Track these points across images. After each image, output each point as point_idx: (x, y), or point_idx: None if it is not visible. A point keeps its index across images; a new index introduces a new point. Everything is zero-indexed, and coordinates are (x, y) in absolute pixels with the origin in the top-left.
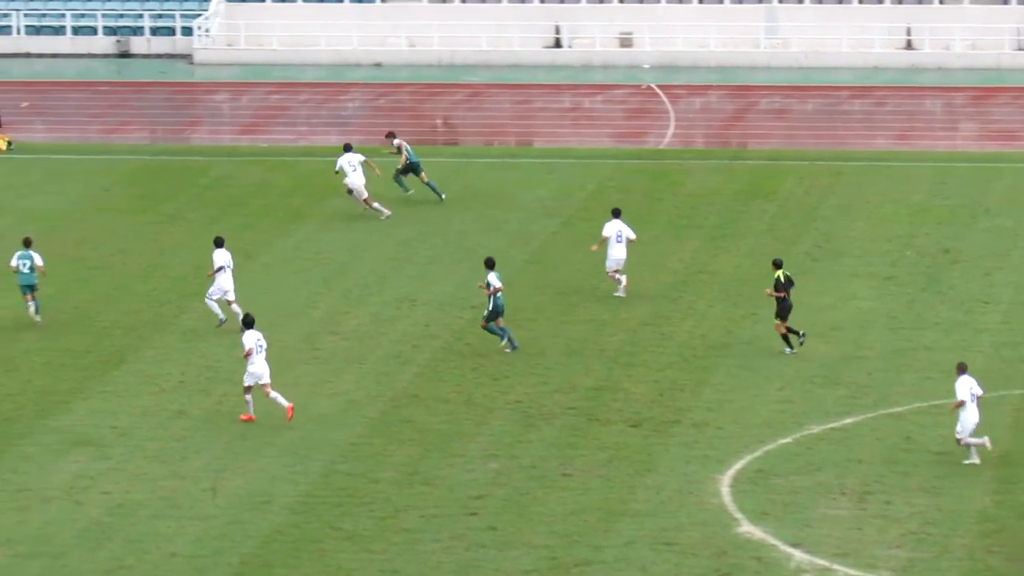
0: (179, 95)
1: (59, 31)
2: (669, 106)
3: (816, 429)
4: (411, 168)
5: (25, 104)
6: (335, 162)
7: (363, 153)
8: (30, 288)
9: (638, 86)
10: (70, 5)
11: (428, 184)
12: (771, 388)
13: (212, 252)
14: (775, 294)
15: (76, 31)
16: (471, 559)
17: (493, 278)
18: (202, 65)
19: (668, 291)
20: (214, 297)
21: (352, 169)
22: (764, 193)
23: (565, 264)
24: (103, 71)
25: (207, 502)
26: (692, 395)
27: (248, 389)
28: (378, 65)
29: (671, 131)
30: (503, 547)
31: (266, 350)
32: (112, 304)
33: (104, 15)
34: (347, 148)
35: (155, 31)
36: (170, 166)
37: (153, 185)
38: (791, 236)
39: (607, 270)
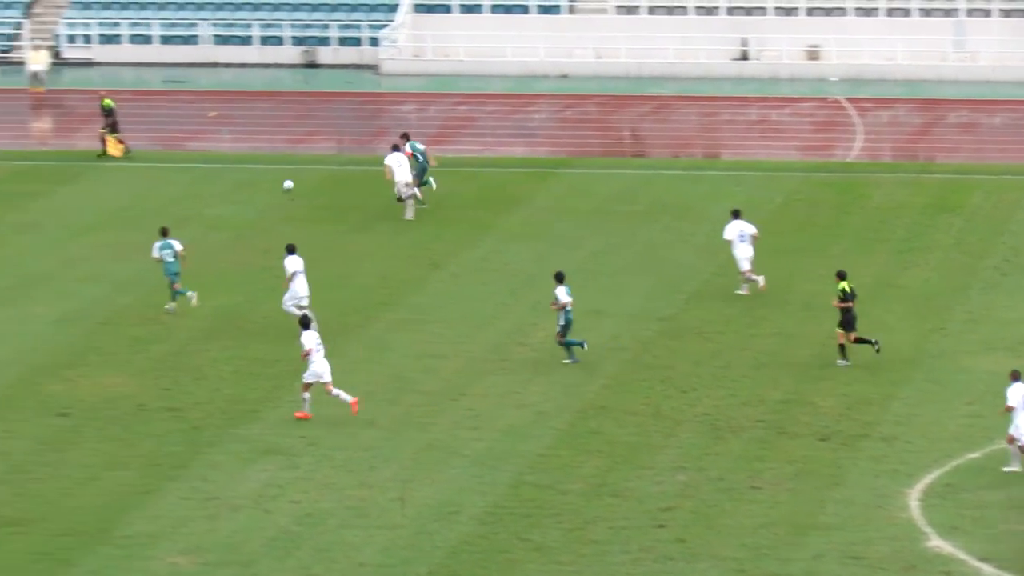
0: (366, 105)
1: (247, 41)
2: (856, 119)
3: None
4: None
5: (213, 113)
6: (384, 159)
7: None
8: (176, 275)
9: (825, 99)
10: (258, 15)
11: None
12: (960, 402)
13: (284, 258)
14: (840, 305)
15: (264, 41)
16: (659, 571)
17: (562, 293)
18: (389, 75)
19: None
20: (289, 304)
21: (398, 165)
22: (951, 207)
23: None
24: (290, 81)
25: (395, 512)
26: (880, 409)
27: (307, 387)
28: (565, 76)
29: (858, 144)
30: (691, 559)
31: (326, 349)
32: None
33: (291, 25)
34: (395, 148)
35: (342, 41)
36: (357, 176)
37: (339, 195)
38: (979, 250)
39: (740, 271)
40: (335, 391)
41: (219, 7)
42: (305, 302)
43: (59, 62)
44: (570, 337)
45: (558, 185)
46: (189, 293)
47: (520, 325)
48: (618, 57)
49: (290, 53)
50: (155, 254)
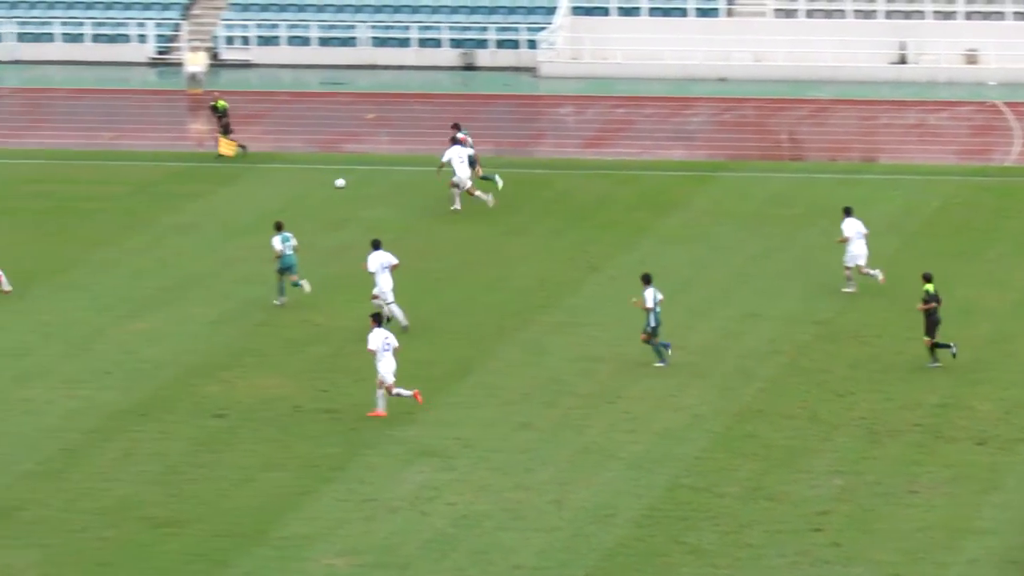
0: (523, 108)
1: (405, 43)
2: (1014, 123)
3: None
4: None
5: (371, 115)
6: (442, 155)
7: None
8: (291, 269)
9: (983, 103)
10: (416, 17)
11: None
12: None
13: (369, 254)
14: (924, 308)
15: (422, 43)
16: (815, 575)
17: (650, 295)
18: (546, 78)
19: (1014, 309)
20: (388, 300)
21: (460, 161)
22: None
23: (909, 280)
24: (448, 83)
25: (552, 514)
26: None
27: (382, 385)
28: (723, 80)
29: (1016, 148)
30: (847, 563)
31: (394, 349)
32: (457, 316)
33: (450, 27)
34: (454, 141)
35: (500, 44)
36: (514, 178)
37: (498, 197)
38: None
39: (846, 265)
40: (396, 390)
41: (378, 9)
42: (390, 297)
43: (217, 64)
44: (660, 339)
45: (716, 188)
46: (302, 281)
47: (676, 328)
48: (776, 60)
49: (448, 55)
50: (278, 247)
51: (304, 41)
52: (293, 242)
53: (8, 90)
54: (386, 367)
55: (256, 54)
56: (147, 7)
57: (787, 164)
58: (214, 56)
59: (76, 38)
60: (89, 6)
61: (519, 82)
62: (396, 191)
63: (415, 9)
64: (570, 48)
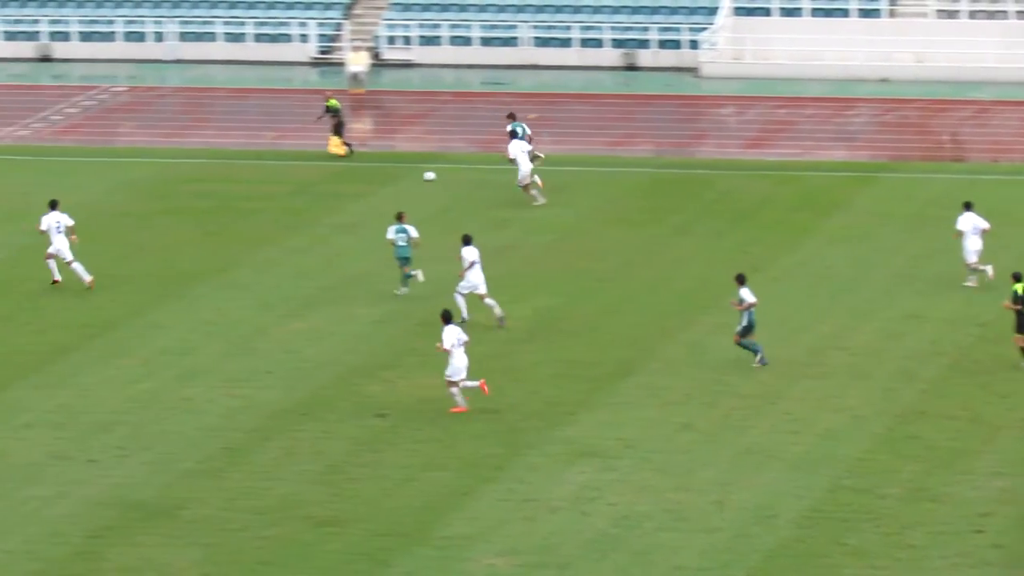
0: (685, 108)
1: (566, 43)
2: None
3: None
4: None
5: (533, 115)
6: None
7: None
8: (406, 260)
9: None
10: (578, 17)
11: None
12: None
13: (461, 248)
14: (1012, 307)
15: (584, 43)
16: None
17: (746, 293)
18: (708, 78)
19: None
20: (463, 292)
21: (522, 154)
22: None
23: None
24: (609, 83)
25: (713, 515)
26: None
27: (453, 384)
28: (884, 80)
29: None
30: (1010, 565)
31: (465, 344)
32: (618, 316)
33: (611, 28)
34: (514, 135)
35: (662, 44)
36: (676, 179)
37: (659, 198)
38: None
39: (967, 262)
40: (464, 383)
41: (539, 9)
42: (482, 289)
43: (379, 63)
44: (745, 340)
45: (878, 189)
46: (416, 272)
47: (839, 329)
48: (938, 61)
49: (610, 55)
50: (390, 236)
51: (466, 41)
52: (412, 234)
53: (170, 89)
54: (459, 362)
55: (418, 54)
56: (309, 7)
57: (949, 165)
58: (376, 56)
59: (238, 37)
60: (251, 5)
61: (680, 82)
62: (557, 191)
63: (577, 9)
64: (732, 48)
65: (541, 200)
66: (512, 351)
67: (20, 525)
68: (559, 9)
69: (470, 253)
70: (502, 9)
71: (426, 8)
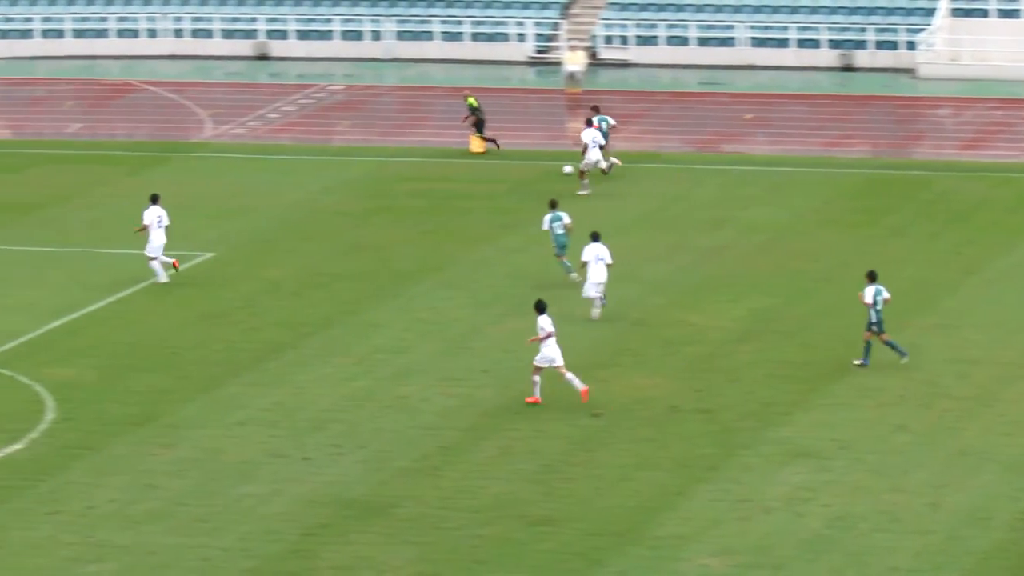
0: (901, 109)
1: (783, 43)
2: None
3: None
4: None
5: (749, 116)
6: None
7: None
8: (563, 248)
9: None
10: (795, 18)
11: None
12: None
13: (586, 245)
14: None
15: (800, 44)
16: None
17: (870, 291)
18: (925, 79)
19: None
20: (541, 365)
21: (593, 145)
22: None
23: None
24: (826, 84)
25: (928, 517)
26: None
27: (538, 371)
28: None
29: None
30: None
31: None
32: (833, 317)
33: (828, 28)
34: (588, 123)
35: (879, 45)
36: (892, 180)
37: (874, 199)
38: None
39: None
40: (568, 375)
41: (756, 9)
42: (601, 289)
43: (595, 63)
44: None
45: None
46: (569, 264)
47: None
48: None
49: (827, 56)
50: (545, 226)
51: (683, 41)
52: (566, 220)
53: (387, 88)
54: (552, 352)
55: (634, 53)
56: (526, 6)
57: None
58: (593, 55)
59: (455, 36)
60: (468, 5)
61: (898, 83)
62: (773, 192)
63: (794, 10)
64: (949, 50)
65: (585, 192)
66: (727, 351)
67: (235, 522)
68: (776, 9)
69: (593, 251)
70: (719, 9)
71: (643, 8)
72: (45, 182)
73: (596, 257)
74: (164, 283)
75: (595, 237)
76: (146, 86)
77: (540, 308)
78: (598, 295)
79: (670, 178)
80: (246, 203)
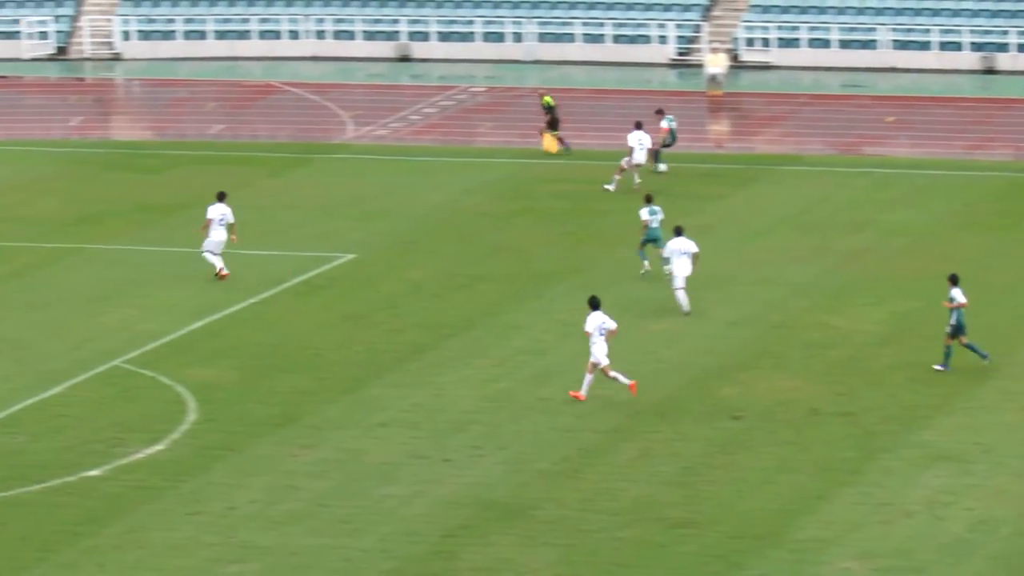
0: None
1: (925, 46)
2: None
3: None
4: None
5: (890, 119)
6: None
7: None
8: (655, 242)
9: None
10: (936, 20)
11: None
12: None
13: (670, 239)
14: None
15: (942, 47)
16: None
17: (957, 293)
18: None
19: None
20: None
21: (640, 148)
22: None
23: None
24: (968, 87)
25: None
26: None
27: (594, 368)
28: None
29: None
30: None
31: (609, 332)
32: (973, 320)
33: (971, 31)
34: (638, 126)
35: (1021, 48)
36: None
37: (1017, 202)
38: None
39: None
40: (612, 373)
41: (898, 12)
42: (684, 281)
43: (737, 65)
44: (967, 342)
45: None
46: (646, 262)
47: None
48: None
49: (968, 59)
50: (644, 217)
51: (824, 43)
52: (661, 216)
53: (528, 90)
54: (600, 351)
55: (776, 56)
56: (668, 8)
57: None
58: (734, 58)
59: (596, 39)
60: (610, 7)
61: None
62: (916, 194)
63: (936, 12)
64: None
65: (611, 188)
66: (868, 354)
67: (376, 523)
68: (918, 12)
69: (679, 244)
70: (861, 11)
71: (785, 10)
72: (187, 183)
73: (679, 251)
74: (224, 274)
75: (678, 231)
76: (288, 87)
77: (594, 305)
78: (681, 287)
79: (812, 181)
80: (387, 204)
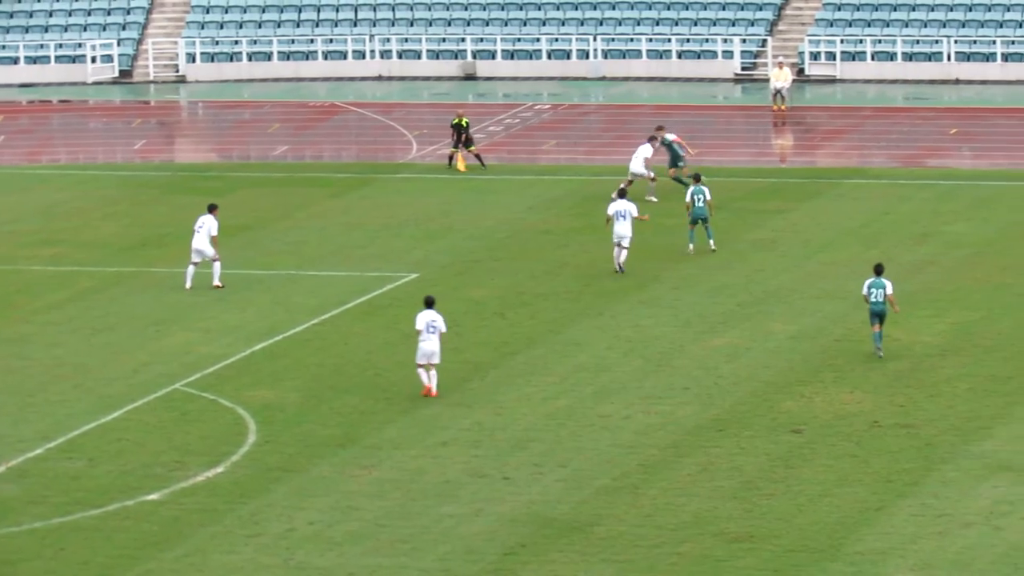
0: None
1: (989, 58)
2: None
3: None
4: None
5: (954, 131)
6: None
7: None
8: (704, 220)
9: None
10: (1001, 32)
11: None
12: None
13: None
14: None
15: (1006, 58)
16: None
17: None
18: None
19: None
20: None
21: (636, 157)
22: None
23: None
24: None
25: None
26: None
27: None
28: None
29: None
30: None
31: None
32: None
33: None
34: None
35: None
36: None
37: None
38: None
39: None
40: (419, 370)
41: (962, 24)
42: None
43: (801, 79)
44: None
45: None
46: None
47: None
48: None
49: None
50: (688, 198)
51: (889, 56)
52: (707, 196)
53: (594, 107)
54: (429, 347)
55: (841, 69)
56: (733, 23)
57: None
58: (799, 72)
59: (662, 55)
60: (676, 23)
61: None
62: (978, 206)
63: (1000, 24)
64: None
65: (654, 198)
66: (929, 366)
67: (435, 543)
68: (982, 24)
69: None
70: (925, 24)
71: (850, 24)
72: (250, 204)
73: (620, 213)
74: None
75: (622, 194)
76: (353, 107)
77: (428, 303)
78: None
79: (875, 194)
80: (450, 223)
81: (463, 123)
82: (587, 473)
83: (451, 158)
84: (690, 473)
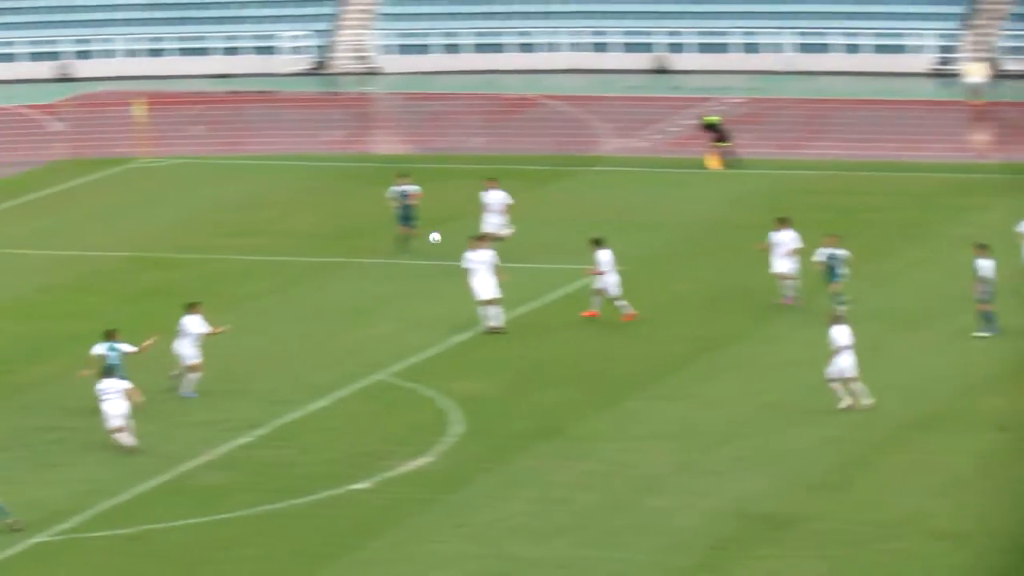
0: None
1: None
2: None
3: None
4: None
5: None
6: None
7: None
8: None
9: None
10: None
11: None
12: None
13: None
14: None
15: None
16: None
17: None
18: None
19: None
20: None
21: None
22: None
23: None
24: None
25: None
26: None
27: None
28: None
29: None
30: None
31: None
32: None
33: None
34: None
35: None
36: None
37: None
38: None
39: None
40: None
41: None
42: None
43: (999, 74)
44: None
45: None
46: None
47: None
48: None
49: None
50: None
51: None
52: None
53: (787, 100)
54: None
55: None
56: (927, 17)
57: None
58: (995, 66)
59: (855, 48)
60: (869, 16)
61: None
62: None
63: None
64: None
65: None
66: None
67: (645, 535)
68: None
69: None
70: None
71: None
72: (445, 197)
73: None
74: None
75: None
76: (546, 100)
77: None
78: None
79: None
80: (648, 217)
81: (715, 121)
82: (794, 468)
83: (725, 153)
84: (897, 470)
